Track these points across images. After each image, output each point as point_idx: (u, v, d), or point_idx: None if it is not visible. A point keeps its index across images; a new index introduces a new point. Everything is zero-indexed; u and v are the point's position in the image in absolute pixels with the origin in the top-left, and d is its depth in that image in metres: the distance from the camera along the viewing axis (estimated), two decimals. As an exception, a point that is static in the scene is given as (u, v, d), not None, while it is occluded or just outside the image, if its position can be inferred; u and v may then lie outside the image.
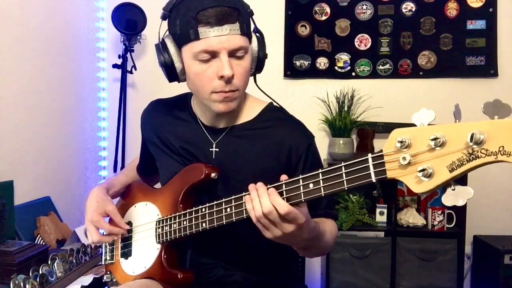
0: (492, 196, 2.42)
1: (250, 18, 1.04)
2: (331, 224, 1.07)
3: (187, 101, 1.19)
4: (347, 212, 2.24)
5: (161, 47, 1.02)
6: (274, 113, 1.13)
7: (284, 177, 0.84)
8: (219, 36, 0.94)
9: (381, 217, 2.29)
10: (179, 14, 0.97)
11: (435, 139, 0.64)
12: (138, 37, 2.43)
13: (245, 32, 0.97)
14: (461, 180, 0.65)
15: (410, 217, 2.28)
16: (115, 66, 2.41)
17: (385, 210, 2.29)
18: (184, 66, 1.02)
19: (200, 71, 0.99)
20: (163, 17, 1.02)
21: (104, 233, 1.16)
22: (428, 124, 0.67)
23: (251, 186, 0.85)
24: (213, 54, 0.96)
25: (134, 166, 1.37)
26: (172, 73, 1.03)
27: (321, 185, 0.79)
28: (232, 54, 0.97)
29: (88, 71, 2.54)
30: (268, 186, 0.84)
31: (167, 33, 1.03)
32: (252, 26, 1.05)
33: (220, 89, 0.98)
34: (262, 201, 0.81)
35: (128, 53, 2.42)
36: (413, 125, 0.68)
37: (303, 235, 0.85)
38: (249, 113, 1.12)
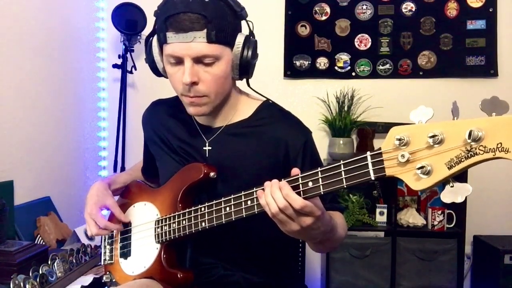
0: (492, 196, 2.42)
1: (244, 21, 1.03)
2: (340, 217, 1.07)
3: None
4: (347, 212, 2.24)
5: (148, 44, 1.06)
6: (270, 110, 1.12)
7: (295, 171, 0.83)
8: (183, 43, 0.95)
9: (381, 217, 2.29)
10: (159, 14, 0.99)
11: (433, 136, 0.64)
12: (138, 37, 2.43)
13: (215, 39, 0.95)
14: (461, 179, 0.65)
15: (410, 217, 2.28)
16: (115, 66, 2.41)
17: (385, 210, 2.29)
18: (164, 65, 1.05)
19: (171, 72, 1.02)
20: (154, 14, 1.03)
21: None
22: (426, 122, 0.67)
23: (267, 183, 0.84)
24: (179, 60, 0.97)
25: (139, 167, 1.38)
26: (155, 70, 1.08)
27: (320, 183, 0.79)
28: (198, 60, 0.97)
29: (88, 71, 2.54)
30: (282, 180, 0.83)
31: None
32: (246, 30, 1.04)
33: (185, 93, 1.01)
34: (275, 196, 0.81)
35: (128, 53, 2.42)
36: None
37: (321, 228, 0.85)
38: (244, 112, 1.12)
